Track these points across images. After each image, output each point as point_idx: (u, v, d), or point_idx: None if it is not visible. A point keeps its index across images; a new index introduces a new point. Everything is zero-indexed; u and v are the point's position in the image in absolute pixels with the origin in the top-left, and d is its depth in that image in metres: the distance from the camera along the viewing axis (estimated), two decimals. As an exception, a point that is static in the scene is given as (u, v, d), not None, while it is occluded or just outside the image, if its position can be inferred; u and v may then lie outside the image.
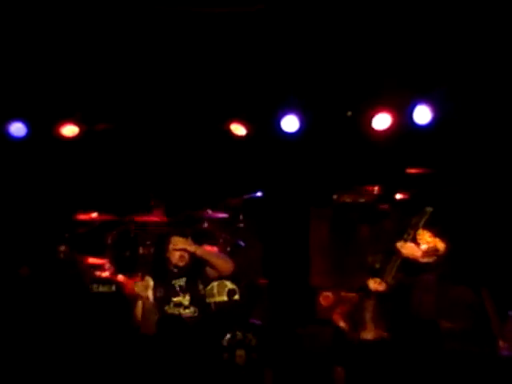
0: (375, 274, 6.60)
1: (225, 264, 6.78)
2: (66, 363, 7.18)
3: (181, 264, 6.70)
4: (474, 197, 8.34)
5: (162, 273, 6.77)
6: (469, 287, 6.93)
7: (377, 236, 7.29)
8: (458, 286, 6.95)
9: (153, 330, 6.59)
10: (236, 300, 7.09)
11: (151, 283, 6.74)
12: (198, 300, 6.73)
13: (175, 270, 6.75)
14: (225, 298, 6.86)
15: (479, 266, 7.73)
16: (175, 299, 6.71)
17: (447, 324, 6.54)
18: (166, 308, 6.71)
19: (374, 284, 6.56)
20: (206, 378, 6.45)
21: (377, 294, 6.49)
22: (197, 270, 6.74)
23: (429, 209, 6.38)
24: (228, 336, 6.80)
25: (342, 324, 6.69)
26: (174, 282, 6.74)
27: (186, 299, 6.71)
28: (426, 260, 6.40)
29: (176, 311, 6.70)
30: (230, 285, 6.93)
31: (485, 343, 6.48)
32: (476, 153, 8.67)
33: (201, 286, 6.76)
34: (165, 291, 6.72)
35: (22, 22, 8.42)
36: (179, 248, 6.68)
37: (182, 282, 6.74)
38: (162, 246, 6.80)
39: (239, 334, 6.81)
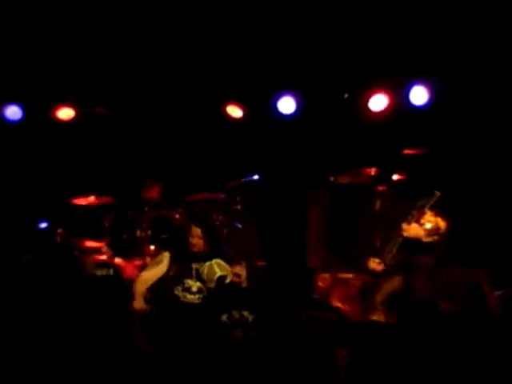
0: (375, 253, 6.62)
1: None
2: (65, 348, 7.19)
3: (196, 250, 6.75)
4: (471, 177, 8.36)
5: (182, 253, 6.81)
6: (467, 268, 6.95)
7: (376, 216, 7.27)
8: (456, 267, 6.96)
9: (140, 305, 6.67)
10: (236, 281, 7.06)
11: (166, 260, 6.78)
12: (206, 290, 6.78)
13: (196, 254, 6.78)
14: (212, 285, 6.84)
15: (477, 246, 7.76)
16: (187, 281, 6.74)
17: (446, 305, 6.55)
18: (174, 289, 6.74)
19: (373, 264, 6.60)
20: (204, 362, 6.48)
21: (374, 273, 6.52)
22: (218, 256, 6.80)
23: (437, 193, 6.40)
24: (224, 317, 6.80)
25: (339, 305, 6.70)
26: (193, 264, 6.77)
27: (195, 285, 6.73)
28: (428, 239, 6.43)
29: (181, 295, 6.73)
30: (219, 271, 6.87)
31: (483, 324, 6.50)
32: (473, 133, 8.68)
33: (215, 267, 6.79)
34: (179, 271, 6.75)
35: (16, 7, 8.39)
36: (196, 236, 6.75)
37: (199, 266, 6.76)
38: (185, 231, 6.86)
39: (235, 314, 6.82)
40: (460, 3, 8.32)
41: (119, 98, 9.26)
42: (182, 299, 6.75)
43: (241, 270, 6.94)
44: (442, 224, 6.44)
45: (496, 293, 6.46)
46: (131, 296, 6.83)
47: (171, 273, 6.77)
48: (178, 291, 6.74)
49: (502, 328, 6.16)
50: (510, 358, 5.93)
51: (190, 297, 6.75)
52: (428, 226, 6.41)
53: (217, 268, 6.78)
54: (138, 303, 6.80)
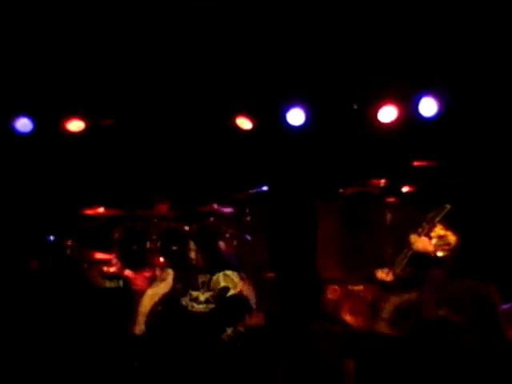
0: (384, 264, 6.61)
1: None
2: (71, 358, 7.20)
3: (193, 263, 6.75)
4: (481, 189, 8.34)
5: (186, 266, 6.80)
6: (476, 281, 6.92)
7: (386, 228, 7.27)
8: (466, 280, 6.94)
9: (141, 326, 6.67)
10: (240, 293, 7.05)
11: (170, 277, 6.77)
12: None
13: (199, 264, 6.78)
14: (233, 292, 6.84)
15: (487, 259, 7.73)
16: (194, 293, 6.73)
17: (456, 317, 6.53)
18: (181, 299, 6.73)
19: (382, 274, 6.57)
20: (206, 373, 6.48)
21: (383, 284, 6.50)
22: (220, 268, 6.77)
23: (447, 205, 6.38)
24: (229, 330, 6.80)
25: (348, 318, 6.68)
26: (199, 276, 6.75)
27: (203, 295, 6.72)
28: (438, 254, 6.41)
29: (189, 304, 6.72)
30: (222, 282, 6.87)
31: (492, 336, 6.47)
32: (482, 145, 8.66)
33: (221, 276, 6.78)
34: (185, 284, 6.74)
35: (26, 18, 8.43)
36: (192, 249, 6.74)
37: (206, 278, 6.76)
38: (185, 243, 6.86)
39: (240, 328, 6.80)
40: (469, 15, 8.30)
41: (129, 109, 9.29)
42: (189, 309, 6.74)
43: (247, 289, 6.91)
44: (452, 238, 6.42)
45: (504, 306, 6.44)
46: (133, 318, 6.77)
47: (177, 286, 6.76)
48: (185, 301, 6.73)
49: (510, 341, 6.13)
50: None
51: (197, 306, 6.73)
52: (435, 240, 6.39)
53: (221, 278, 6.78)
54: (139, 327, 6.76)
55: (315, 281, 8.71)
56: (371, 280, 6.70)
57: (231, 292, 6.73)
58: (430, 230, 6.44)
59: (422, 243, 6.40)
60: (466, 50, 8.49)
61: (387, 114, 8.93)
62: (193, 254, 6.73)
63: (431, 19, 8.43)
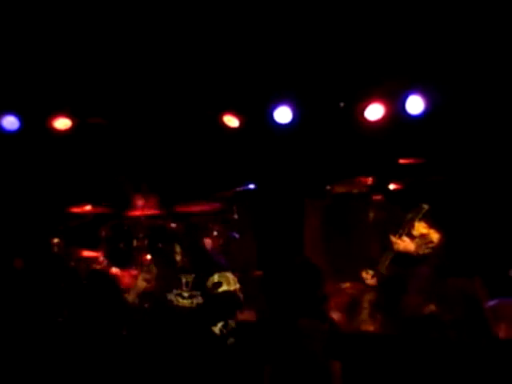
0: (369, 264, 6.62)
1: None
2: (60, 357, 7.18)
3: (179, 265, 6.73)
4: (466, 187, 8.37)
5: (168, 265, 6.78)
6: (462, 278, 6.95)
7: (369, 227, 7.30)
8: (452, 276, 6.96)
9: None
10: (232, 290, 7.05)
11: (153, 272, 6.77)
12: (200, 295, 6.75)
13: (184, 265, 6.75)
14: (225, 288, 6.84)
15: (472, 255, 7.76)
16: (176, 291, 6.72)
17: (442, 315, 6.55)
18: (167, 294, 6.72)
19: (367, 276, 6.60)
20: (196, 368, 6.48)
21: (370, 286, 6.52)
22: (206, 268, 6.75)
23: (425, 206, 6.42)
24: (220, 324, 6.79)
25: (335, 316, 6.69)
26: (181, 275, 6.74)
27: (187, 292, 6.72)
28: (420, 251, 6.44)
29: (174, 299, 6.72)
30: (216, 277, 6.89)
31: (479, 332, 6.49)
32: (469, 143, 8.68)
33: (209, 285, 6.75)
34: (168, 282, 6.74)
35: (14, 16, 8.41)
36: (176, 252, 6.72)
37: (190, 278, 6.74)
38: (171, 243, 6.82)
39: (232, 323, 6.80)
40: (455, 12, 8.32)
41: (116, 108, 9.27)
42: (175, 303, 6.74)
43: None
44: (436, 236, 6.47)
45: (490, 302, 6.47)
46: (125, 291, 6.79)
47: (162, 284, 6.77)
48: (170, 296, 6.74)
49: (497, 338, 6.16)
50: (507, 367, 5.93)
51: (182, 301, 6.74)
52: (419, 239, 6.43)
53: (216, 276, 6.78)
54: (132, 297, 6.78)
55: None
56: (357, 277, 6.72)
57: (223, 288, 6.73)
58: (410, 230, 6.47)
59: (402, 244, 6.46)
60: (452, 49, 8.51)
61: (374, 111, 8.95)
62: (178, 257, 6.72)
63: (418, 18, 8.44)
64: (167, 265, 6.78)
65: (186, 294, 6.71)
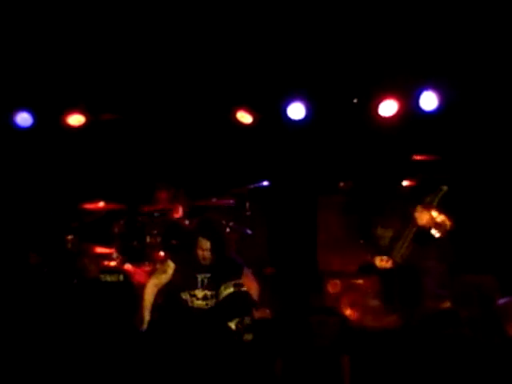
0: (382, 252, 6.59)
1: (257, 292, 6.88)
2: (72, 352, 7.20)
3: (203, 262, 6.68)
4: (480, 183, 8.34)
5: (188, 262, 6.74)
6: (477, 275, 6.92)
7: (387, 216, 7.21)
8: (470, 274, 6.94)
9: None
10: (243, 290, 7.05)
11: (171, 268, 6.74)
12: (214, 297, 6.73)
13: (202, 264, 6.71)
14: (231, 290, 6.83)
15: (486, 252, 7.73)
16: (191, 291, 6.71)
17: (458, 311, 6.54)
18: (181, 293, 6.71)
19: (381, 262, 6.57)
20: (211, 365, 6.49)
21: (383, 272, 6.48)
22: (222, 271, 6.73)
23: (444, 187, 6.39)
24: (236, 320, 6.80)
25: (348, 312, 6.68)
26: (198, 275, 6.71)
27: (201, 293, 6.70)
28: (436, 231, 6.42)
29: (189, 299, 6.71)
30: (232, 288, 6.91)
31: (493, 330, 6.47)
32: (483, 138, 8.65)
33: (222, 288, 6.73)
34: (184, 280, 6.72)
35: (27, 12, 8.43)
36: (205, 249, 6.66)
37: (206, 277, 6.72)
38: (192, 241, 6.76)
39: (247, 319, 6.81)
40: (470, 9, 8.29)
41: (130, 104, 9.28)
42: (189, 304, 6.73)
43: (250, 283, 6.89)
44: (448, 223, 6.46)
45: (501, 300, 6.44)
46: (139, 313, 6.77)
47: (176, 282, 6.74)
48: (185, 296, 6.73)
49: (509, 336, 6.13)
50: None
51: (197, 302, 6.73)
52: (438, 218, 6.43)
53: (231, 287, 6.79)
54: (145, 321, 6.75)
55: (315, 275, 8.72)
56: (370, 271, 6.69)
57: (244, 288, 6.72)
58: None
59: (425, 216, 6.40)
60: (466, 45, 8.47)
61: (388, 107, 8.92)
62: (204, 253, 6.64)
63: (432, 13, 8.41)
64: (185, 261, 6.74)
65: (200, 295, 6.70)
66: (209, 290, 6.67)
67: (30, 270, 8.43)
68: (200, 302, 6.70)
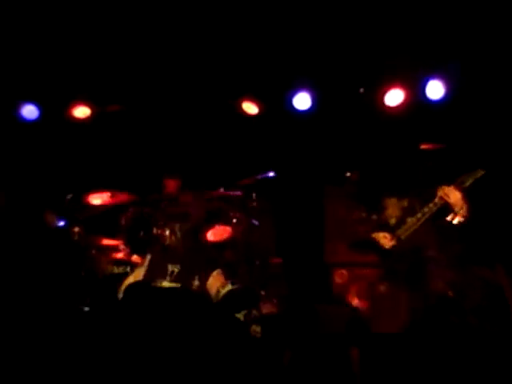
0: (387, 229, 6.34)
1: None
2: (78, 342, 7.22)
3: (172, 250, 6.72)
4: (488, 173, 8.30)
5: (160, 254, 6.77)
6: (486, 266, 6.89)
7: (404, 186, 7.02)
8: (475, 266, 6.90)
9: None
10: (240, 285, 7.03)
11: (146, 263, 6.80)
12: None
13: (174, 255, 6.73)
14: (230, 287, 6.83)
15: (495, 243, 7.70)
16: (160, 282, 6.73)
17: (463, 302, 6.51)
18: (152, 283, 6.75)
19: (384, 239, 6.21)
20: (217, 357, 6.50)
21: (384, 251, 6.23)
22: (197, 264, 6.74)
23: (481, 171, 6.16)
24: (243, 312, 6.81)
25: (355, 302, 6.67)
26: (169, 265, 6.73)
27: (168, 284, 6.72)
28: (458, 212, 6.09)
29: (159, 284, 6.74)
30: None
31: (500, 320, 6.46)
32: (490, 127, 8.62)
33: (196, 283, 6.74)
34: (156, 271, 6.74)
35: (32, 5, 8.42)
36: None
37: (176, 268, 6.74)
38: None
39: (255, 312, 6.82)
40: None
41: (135, 95, 9.28)
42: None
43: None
44: (466, 207, 6.16)
45: None
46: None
47: (149, 274, 6.78)
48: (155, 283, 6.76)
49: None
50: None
51: (165, 284, 6.75)
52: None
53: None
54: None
55: (323, 265, 8.72)
56: (366, 248, 6.47)
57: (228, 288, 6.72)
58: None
59: (453, 193, 6.05)
60: (472, 33, 8.44)
61: (394, 97, 8.91)
62: (172, 237, 6.65)
63: (438, 2, 8.37)
64: (160, 251, 6.77)
65: (166, 286, 6.69)
66: (179, 282, 6.69)
67: (36, 262, 8.45)
68: (167, 284, 6.71)
